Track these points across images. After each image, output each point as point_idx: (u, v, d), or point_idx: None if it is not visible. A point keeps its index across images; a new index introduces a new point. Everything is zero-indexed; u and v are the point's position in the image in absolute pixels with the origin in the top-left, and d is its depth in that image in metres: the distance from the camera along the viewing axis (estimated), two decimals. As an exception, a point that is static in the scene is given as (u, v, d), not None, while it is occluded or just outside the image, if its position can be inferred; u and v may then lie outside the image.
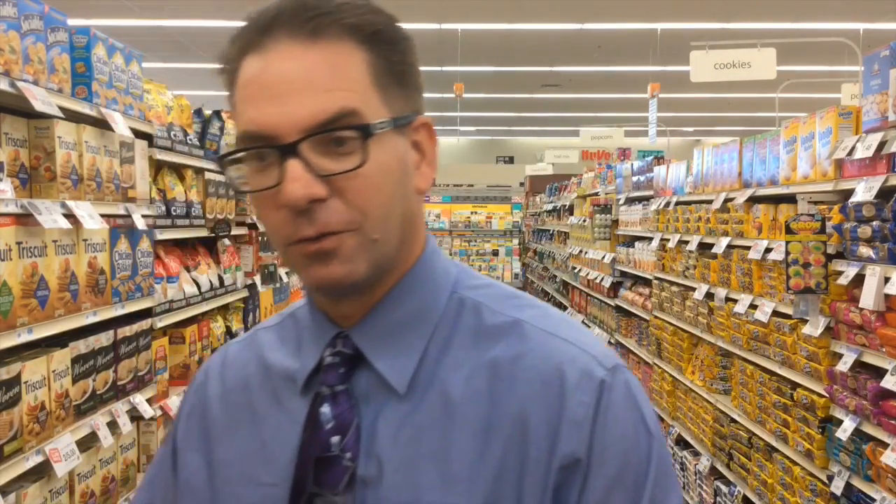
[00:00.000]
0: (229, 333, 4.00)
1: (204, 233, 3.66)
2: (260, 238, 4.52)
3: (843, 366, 2.98)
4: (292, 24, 0.76)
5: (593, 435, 0.76)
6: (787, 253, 3.30)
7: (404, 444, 0.78)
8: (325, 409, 0.80)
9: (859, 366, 2.95)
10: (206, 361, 1.00)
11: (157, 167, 3.26)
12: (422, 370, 0.81)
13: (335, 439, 0.79)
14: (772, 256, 3.55)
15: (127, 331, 2.77)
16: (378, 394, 0.81)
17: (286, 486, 0.80)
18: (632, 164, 6.82)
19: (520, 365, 0.79)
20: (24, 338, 2.13)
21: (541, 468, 0.75)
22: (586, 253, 7.92)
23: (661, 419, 5.33)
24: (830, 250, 3.24)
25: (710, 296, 4.39)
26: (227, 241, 4.04)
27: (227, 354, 0.96)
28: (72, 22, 2.52)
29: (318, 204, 0.75)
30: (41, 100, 2.20)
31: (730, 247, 4.18)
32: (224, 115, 4.03)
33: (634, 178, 6.55)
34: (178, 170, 3.45)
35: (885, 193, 2.89)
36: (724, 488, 4.27)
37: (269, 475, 0.82)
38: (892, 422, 2.68)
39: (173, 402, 3.17)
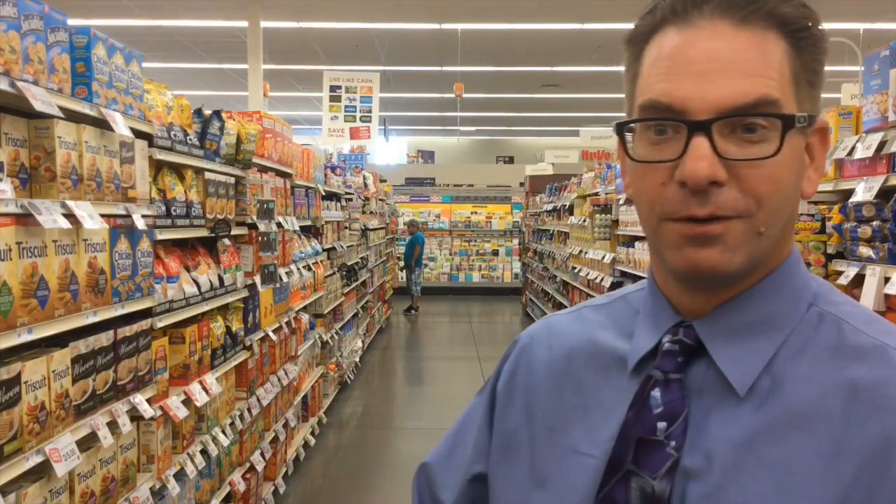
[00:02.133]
0: (229, 333, 4.00)
1: (204, 233, 3.66)
2: (260, 238, 4.52)
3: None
4: (727, 3, 0.76)
5: None
6: (787, 253, 3.31)
7: (739, 445, 0.76)
8: (656, 394, 0.80)
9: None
10: (529, 327, 1.02)
11: (157, 167, 3.25)
12: (765, 376, 0.78)
13: (661, 425, 0.79)
14: (772, 256, 3.55)
15: (127, 331, 2.77)
16: (713, 390, 0.79)
17: (603, 459, 0.81)
18: (632, 164, 6.79)
19: (883, 392, 0.74)
20: (24, 338, 2.13)
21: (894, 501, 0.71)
22: (586, 253, 7.92)
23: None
24: (830, 250, 3.24)
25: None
26: (227, 241, 4.04)
27: (551, 324, 0.99)
28: (72, 22, 2.52)
29: (715, 186, 0.75)
30: (41, 100, 2.20)
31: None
32: (224, 115, 4.03)
33: (634, 178, 6.52)
34: (178, 170, 3.45)
35: (885, 193, 2.89)
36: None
37: (589, 446, 0.84)
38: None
39: (173, 402, 3.17)
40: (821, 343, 0.78)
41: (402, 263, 15.87)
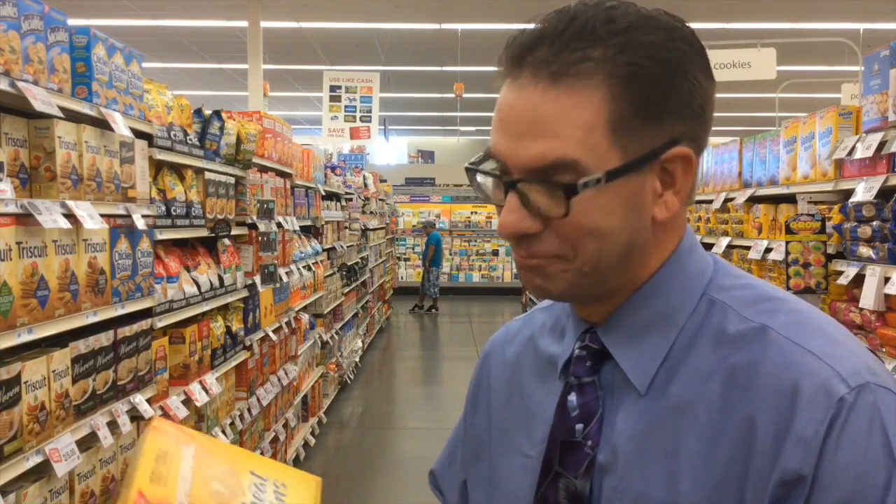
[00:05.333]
0: (229, 333, 4.00)
1: (204, 233, 3.66)
2: (260, 238, 4.52)
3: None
4: (539, 61, 0.77)
5: (822, 455, 0.71)
6: (787, 253, 3.30)
7: (637, 438, 0.81)
8: (572, 398, 0.86)
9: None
10: (494, 334, 1.10)
11: (157, 167, 3.26)
12: (662, 370, 0.82)
13: (579, 426, 0.84)
14: (772, 256, 3.55)
15: (127, 331, 2.77)
16: (622, 388, 0.84)
17: (539, 461, 0.87)
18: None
19: (757, 372, 0.77)
20: (24, 338, 2.13)
21: (762, 480, 0.74)
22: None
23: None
24: (830, 250, 3.24)
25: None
26: (227, 241, 4.04)
27: (508, 330, 1.06)
28: (72, 22, 2.52)
29: (531, 236, 0.80)
30: (41, 100, 2.20)
31: (730, 247, 4.18)
32: (224, 115, 4.03)
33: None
34: (178, 170, 3.45)
35: (885, 193, 2.90)
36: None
37: (529, 448, 0.90)
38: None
39: (173, 402, 3.17)
40: (708, 332, 0.81)
41: (400, 263, 15.93)
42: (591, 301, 0.87)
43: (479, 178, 0.85)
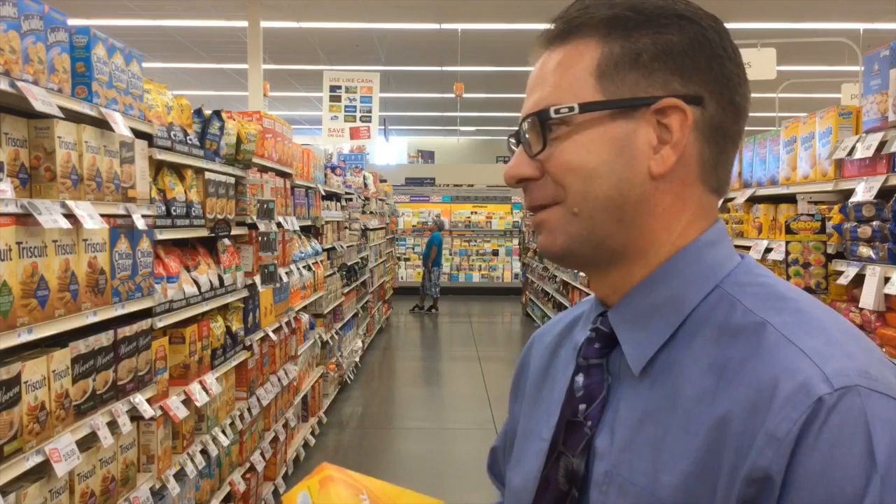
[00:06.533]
0: (229, 333, 4.00)
1: (204, 233, 3.66)
2: (260, 238, 4.52)
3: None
4: (549, 34, 0.88)
5: (794, 455, 0.69)
6: (787, 253, 3.30)
7: (632, 424, 0.82)
8: (579, 379, 0.88)
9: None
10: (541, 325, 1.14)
11: (157, 167, 3.26)
12: (662, 357, 0.82)
13: (582, 406, 0.86)
14: (772, 256, 3.55)
15: (127, 331, 2.77)
16: (626, 373, 0.85)
17: (549, 442, 0.89)
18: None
19: (744, 367, 0.76)
20: (24, 338, 2.13)
21: (732, 476, 0.72)
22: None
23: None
24: (830, 250, 3.24)
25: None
26: (227, 241, 4.04)
27: (552, 321, 1.09)
28: (72, 22, 2.52)
29: (531, 182, 0.87)
30: (41, 100, 2.20)
31: (730, 247, 4.18)
32: (224, 115, 4.03)
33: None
34: (178, 170, 3.45)
35: (885, 193, 2.90)
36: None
37: (546, 431, 0.92)
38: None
39: (173, 402, 3.17)
40: (712, 324, 0.81)
41: (400, 263, 15.94)
42: (597, 266, 0.88)
43: (513, 147, 0.91)
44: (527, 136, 0.86)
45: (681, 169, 0.83)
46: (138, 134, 2.95)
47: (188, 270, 3.51)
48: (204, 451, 3.62)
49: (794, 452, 0.69)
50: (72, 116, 2.48)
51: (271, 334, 4.85)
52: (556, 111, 0.83)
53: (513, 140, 0.90)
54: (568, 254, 0.87)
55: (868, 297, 2.84)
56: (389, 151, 23.89)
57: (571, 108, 0.82)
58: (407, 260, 18.74)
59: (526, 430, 0.99)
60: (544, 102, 0.85)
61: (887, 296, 2.79)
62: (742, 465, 0.71)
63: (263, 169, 4.97)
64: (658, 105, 0.82)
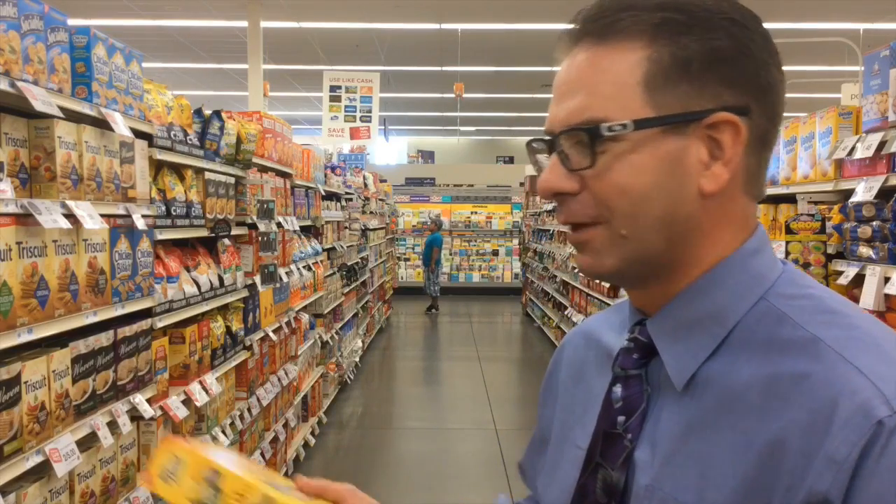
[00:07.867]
0: (229, 333, 4.00)
1: (204, 233, 3.66)
2: (260, 238, 4.52)
3: (843, 366, 2.97)
4: (583, 30, 0.81)
5: (854, 479, 0.67)
6: (787, 253, 3.30)
7: (674, 438, 0.79)
8: (617, 390, 0.85)
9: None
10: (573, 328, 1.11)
11: (157, 167, 3.26)
12: (704, 370, 0.79)
13: (621, 419, 0.83)
14: (772, 256, 3.55)
15: (127, 331, 2.77)
16: (667, 385, 0.82)
17: (586, 452, 0.87)
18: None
19: (798, 385, 0.73)
20: (24, 338, 2.13)
21: (788, 498, 0.70)
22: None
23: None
24: (830, 250, 3.24)
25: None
26: (227, 241, 4.04)
27: (586, 322, 1.06)
28: (72, 22, 2.52)
29: (568, 196, 0.81)
30: (41, 100, 2.20)
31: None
32: (224, 115, 4.03)
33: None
34: (178, 170, 3.45)
35: (885, 193, 2.90)
36: None
37: (582, 439, 0.89)
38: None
39: (173, 402, 3.17)
40: (759, 337, 0.78)
41: (401, 263, 15.95)
42: (643, 282, 0.85)
43: (537, 154, 0.86)
44: (568, 149, 0.80)
45: (729, 184, 0.80)
46: (138, 134, 2.95)
47: (188, 270, 3.51)
48: (204, 451, 3.61)
49: (854, 476, 0.67)
50: (72, 116, 2.48)
51: (271, 334, 4.85)
52: (610, 129, 0.77)
53: (537, 145, 0.85)
54: (616, 276, 0.84)
55: (868, 297, 2.84)
56: (389, 151, 23.89)
57: (624, 126, 0.77)
58: (407, 260, 18.74)
59: (560, 436, 0.97)
60: (589, 113, 0.78)
61: (887, 296, 2.79)
62: (799, 487, 0.69)
63: (263, 169, 4.97)
64: (710, 119, 0.78)
